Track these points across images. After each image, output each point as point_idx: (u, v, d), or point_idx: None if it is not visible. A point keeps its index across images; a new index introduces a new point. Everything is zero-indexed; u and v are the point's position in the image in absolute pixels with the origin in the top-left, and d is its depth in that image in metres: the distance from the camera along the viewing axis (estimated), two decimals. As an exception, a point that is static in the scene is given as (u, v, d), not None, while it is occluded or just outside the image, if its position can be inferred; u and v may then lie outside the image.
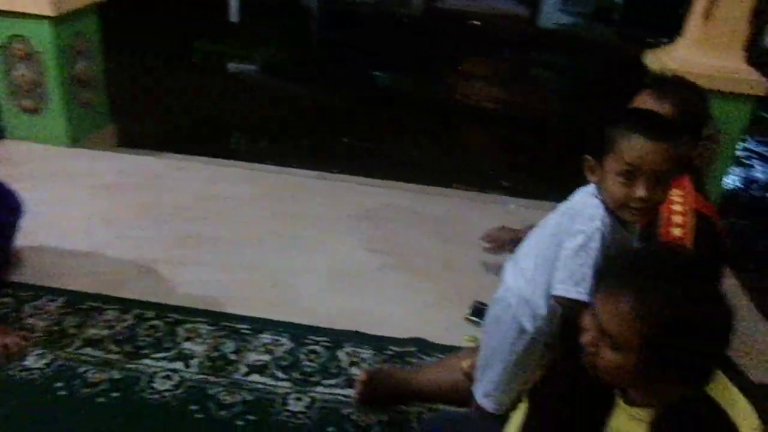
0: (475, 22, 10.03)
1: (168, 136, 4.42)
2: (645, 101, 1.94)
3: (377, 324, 2.37)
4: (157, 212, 2.96)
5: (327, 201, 3.26)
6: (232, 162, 3.71)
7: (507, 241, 2.63)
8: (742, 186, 4.51)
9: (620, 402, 1.31)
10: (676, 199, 1.93)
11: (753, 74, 2.91)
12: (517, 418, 1.56)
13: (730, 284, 2.79)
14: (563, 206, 1.61)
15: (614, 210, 1.48)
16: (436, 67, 7.24)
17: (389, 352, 2.23)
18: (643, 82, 2.06)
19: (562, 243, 1.51)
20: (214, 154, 3.79)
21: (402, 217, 3.19)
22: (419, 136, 4.97)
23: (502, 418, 1.61)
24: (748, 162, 4.94)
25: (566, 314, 1.52)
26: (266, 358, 2.13)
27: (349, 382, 2.06)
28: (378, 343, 2.26)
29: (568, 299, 1.47)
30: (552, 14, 10.30)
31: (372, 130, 4.99)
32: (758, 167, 4.94)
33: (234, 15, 7.27)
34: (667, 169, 1.43)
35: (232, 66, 6.22)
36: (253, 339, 2.21)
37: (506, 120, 5.80)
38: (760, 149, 5.21)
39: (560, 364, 1.49)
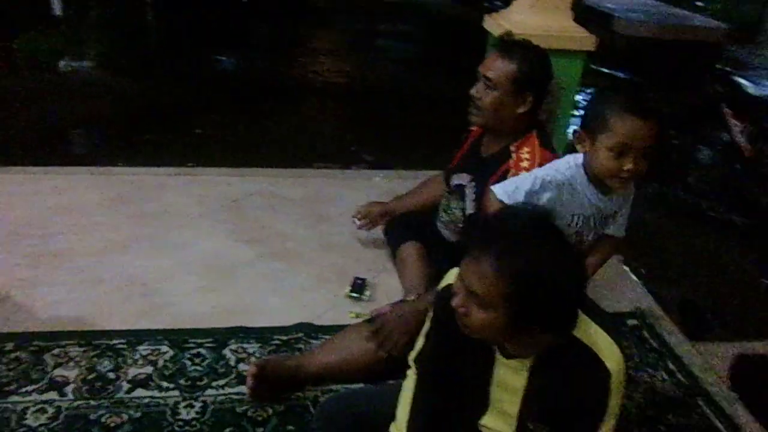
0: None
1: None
2: (494, 61, 2.06)
3: (260, 316, 2.33)
4: (0, 233, 2.70)
5: (188, 196, 3.13)
6: (76, 168, 3.44)
7: (378, 215, 2.67)
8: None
9: (499, 357, 1.40)
10: (524, 156, 2.08)
11: (582, 31, 3.14)
12: (409, 385, 1.61)
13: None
14: None
15: (603, 179, 1.71)
16: (281, 45, 7.12)
17: (276, 342, 2.20)
18: (486, 44, 2.17)
19: None
20: (55, 162, 3.50)
21: (268, 203, 3.14)
22: (273, 118, 4.87)
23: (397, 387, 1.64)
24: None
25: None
26: (148, 370, 2.03)
27: (240, 379, 2.01)
28: (263, 334, 2.22)
29: (492, 198, 1.82)
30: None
31: (224, 118, 4.83)
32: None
33: (57, 7, 6.66)
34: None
35: (63, 64, 5.73)
36: (130, 353, 2.09)
37: (358, 93, 5.84)
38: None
39: (437, 330, 1.55)
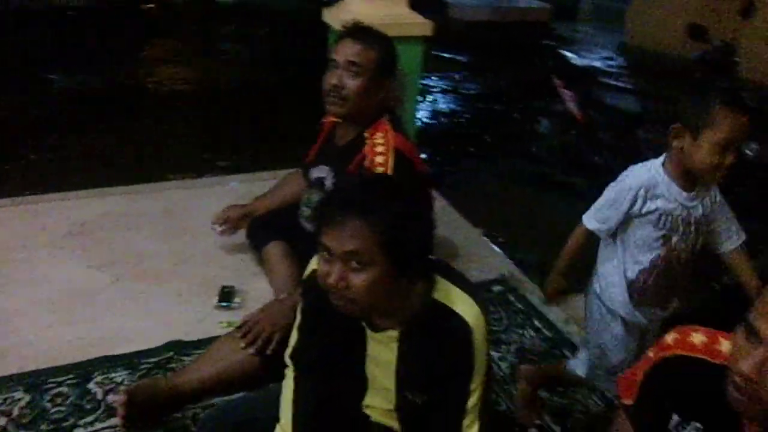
0: (149, 6, 9.50)
1: None
2: (354, 47, 2.07)
3: (125, 342, 2.19)
4: None
5: (31, 227, 2.87)
6: None
7: (238, 218, 2.61)
8: (431, 118, 5.05)
9: (369, 333, 1.42)
10: (378, 141, 2.11)
11: (419, 18, 3.24)
12: (289, 383, 1.59)
13: (443, 205, 3.14)
14: None
15: (702, 174, 1.65)
16: (116, 57, 6.72)
17: (146, 366, 2.09)
18: (328, 37, 2.17)
19: None
20: None
21: (121, 222, 2.96)
22: (117, 134, 4.60)
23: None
24: (432, 97, 5.53)
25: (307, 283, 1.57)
26: (2, 422, 1.84)
27: (111, 412, 1.89)
28: (130, 361, 2.10)
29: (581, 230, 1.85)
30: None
31: (61, 139, 4.48)
32: (440, 100, 5.57)
33: None
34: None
35: None
36: (-22, 406, 1.89)
37: (203, 99, 5.65)
38: (440, 84, 5.88)
39: (308, 319, 1.55)
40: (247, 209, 2.62)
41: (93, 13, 8.63)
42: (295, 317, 1.62)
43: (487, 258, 2.82)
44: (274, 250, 2.42)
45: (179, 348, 2.16)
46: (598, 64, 3.96)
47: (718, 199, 1.80)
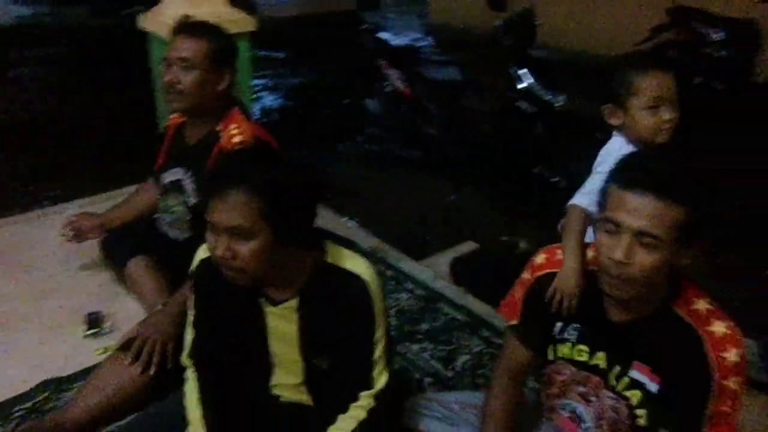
0: None
1: None
2: (184, 42, 2.06)
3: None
4: None
5: None
6: None
7: (91, 228, 2.45)
8: (262, 116, 5.03)
9: (268, 308, 1.46)
10: (233, 132, 2.11)
11: (240, 14, 3.24)
12: (192, 385, 1.57)
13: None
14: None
15: (649, 139, 1.66)
16: None
17: (20, 412, 1.92)
18: (148, 43, 2.12)
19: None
20: None
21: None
22: None
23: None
24: (256, 95, 5.50)
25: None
26: None
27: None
28: (2, 411, 1.92)
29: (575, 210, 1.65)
30: (4, 9, 9.27)
31: None
32: (267, 98, 5.56)
33: None
34: (677, 92, 1.66)
35: None
36: None
37: (8, 132, 5.14)
38: (262, 83, 5.85)
39: (203, 308, 1.55)
40: (102, 220, 2.47)
41: None
42: (179, 324, 1.61)
43: (351, 236, 2.92)
44: (138, 265, 2.32)
45: (55, 386, 2.02)
46: (413, 43, 4.21)
47: None
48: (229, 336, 1.55)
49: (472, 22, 6.07)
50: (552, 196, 3.16)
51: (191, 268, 1.54)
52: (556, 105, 3.34)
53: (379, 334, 1.45)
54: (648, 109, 1.64)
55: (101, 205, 3.05)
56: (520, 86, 3.39)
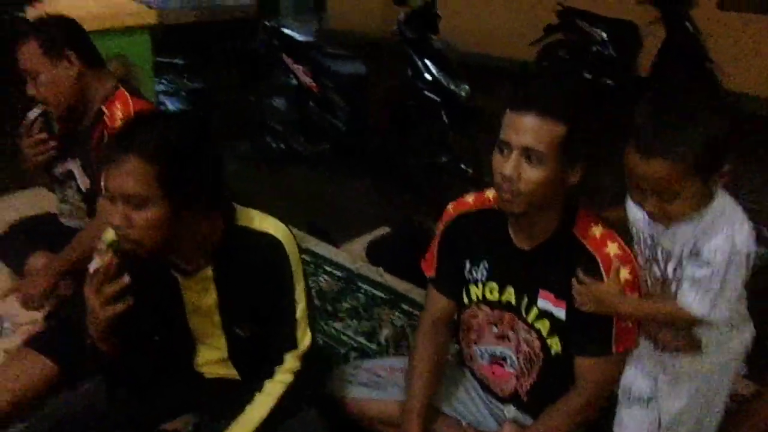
0: None
1: None
2: (33, 58, 1.92)
3: None
4: None
5: None
6: None
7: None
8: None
9: (182, 281, 1.42)
10: (117, 110, 2.01)
11: (140, 7, 3.14)
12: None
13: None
14: None
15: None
16: None
17: None
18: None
19: None
20: None
21: None
22: None
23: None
24: (156, 100, 5.33)
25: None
26: None
27: None
28: None
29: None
30: None
31: None
32: (167, 101, 5.40)
33: None
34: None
35: None
36: None
37: None
38: (163, 88, 5.68)
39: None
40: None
41: None
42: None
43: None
44: (37, 261, 2.17)
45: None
46: (317, 39, 4.25)
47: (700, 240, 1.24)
48: (145, 316, 1.48)
49: (372, 22, 6.19)
50: (459, 184, 3.27)
51: (99, 250, 1.46)
52: (461, 94, 3.44)
53: (299, 292, 1.42)
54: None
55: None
56: (425, 76, 3.47)
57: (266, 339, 1.45)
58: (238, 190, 2.72)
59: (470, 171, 3.40)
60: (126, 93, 2.03)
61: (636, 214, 1.33)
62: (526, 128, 1.24)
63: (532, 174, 1.25)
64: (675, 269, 1.28)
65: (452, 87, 3.44)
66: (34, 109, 2.03)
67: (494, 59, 6.11)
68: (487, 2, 6.48)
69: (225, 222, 1.38)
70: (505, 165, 1.26)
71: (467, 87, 3.45)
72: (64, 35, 1.96)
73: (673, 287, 1.29)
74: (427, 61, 3.50)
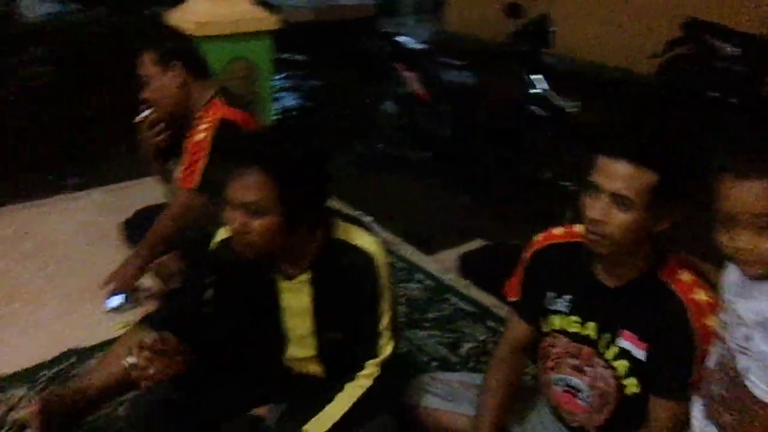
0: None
1: None
2: (149, 67, 2.17)
3: (18, 359, 2.10)
4: None
5: None
6: None
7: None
8: (281, 116, 5.15)
9: (282, 283, 1.55)
10: (204, 119, 2.22)
11: (263, 13, 3.35)
12: None
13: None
14: None
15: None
16: None
17: (46, 378, 2.03)
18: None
19: None
20: None
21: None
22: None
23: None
24: (278, 96, 5.63)
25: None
26: None
27: (19, 427, 1.83)
28: (29, 375, 2.03)
29: None
30: (33, 6, 9.50)
31: None
32: (286, 98, 5.69)
33: None
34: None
35: None
36: None
37: (20, 125, 5.27)
38: (282, 84, 5.98)
39: (220, 284, 1.63)
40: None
41: None
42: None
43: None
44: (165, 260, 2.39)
45: (78, 355, 2.12)
46: (429, 47, 4.32)
47: None
48: (246, 310, 1.64)
49: (487, 30, 6.18)
50: (561, 201, 3.23)
51: (211, 244, 1.63)
52: (569, 110, 3.41)
53: (385, 305, 1.52)
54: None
55: (122, 192, 3.20)
56: (533, 91, 3.47)
57: (352, 345, 1.56)
58: (344, 189, 2.88)
59: (572, 189, 3.37)
60: (220, 102, 2.24)
61: (729, 274, 1.24)
62: (617, 174, 1.24)
63: (620, 219, 1.26)
64: (744, 340, 1.13)
65: (560, 103, 3.41)
66: (146, 111, 2.28)
67: (611, 71, 5.95)
68: (606, 12, 6.30)
69: (325, 234, 1.51)
70: (594, 208, 1.27)
71: (576, 103, 3.40)
72: (174, 48, 2.21)
73: (740, 363, 1.15)
74: (536, 76, 3.49)
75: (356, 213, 3.17)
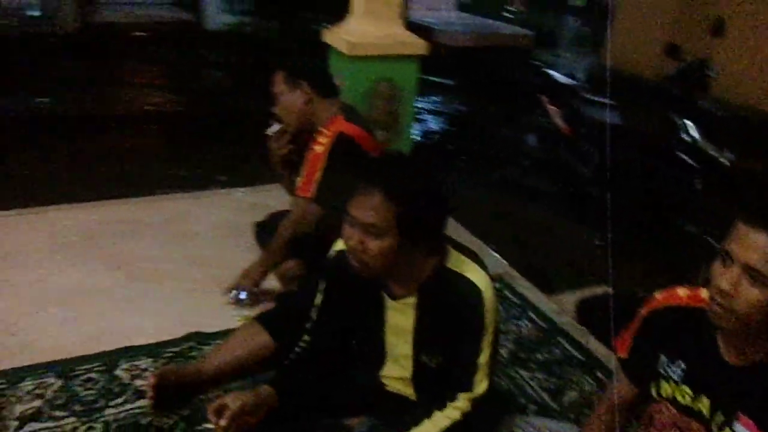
0: (140, 33, 9.69)
1: None
2: (280, 85, 2.35)
3: (145, 335, 2.31)
4: None
5: (36, 234, 3.00)
6: None
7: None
8: (423, 136, 5.25)
9: (388, 302, 1.58)
10: (323, 133, 2.35)
11: (413, 37, 3.45)
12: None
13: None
14: None
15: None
16: (106, 81, 6.87)
17: (168, 354, 2.21)
18: (327, 57, 2.41)
19: None
20: None
21: (126, 230, 3.09)
22: (118, 151, 4.74)
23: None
24: (422, 117, 5.75)
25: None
26: (37, 403, 1.95)
27: (139, 394, 2.01)
28: (154, 349, 2.22)
29: None
30: (217, 16, 10.43)
31: (62, 156, 4.61)
32: (431, 120, 5.79)
33: None
34: None
35: None
36: (12, 391, 1.99)
37: (194, 120, 5.80)
38: (428, 105, 6.10)
39: (331, 293, 1.70)
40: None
41: (82, 39, 8.81)
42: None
43: (483, 259, 2.98)
44: (291, 265, 2.51)
45: (199, 338, 2.29)
46: (578, 82, 4.23)
47: None
48: (350, 322, 1.70)
49: (648, 69, 5.89)
50: (700, 258, 3.01)
51: (330, 251, 1.71)
52: (722, 162, 3.18)
53: (487, 342, 1.52)
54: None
55: (263, 194, 3.41)
56: (683, 137, 3.27)
57: (447, 374, 1.56)
58: (471, 215, 2.87)
59: (717, 247, 3.12)
60: (340, 119, 2.36)
61: None
62: (754, 246, 1.13)
63: (750, 294, 1.14)
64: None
65: (712, 152, 3.18)
66: (274, 125, 2.44)
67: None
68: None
69: (438, 261, 1.53)
70: (724, 278, 1.16)
71: (730, 155, 3.16)
72: (302, 68, 2.39)
73: None
74: (688, 122, 3.29)
75: (479, 241, 3.17)
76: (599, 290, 2.85)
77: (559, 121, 3.88)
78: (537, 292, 2.75)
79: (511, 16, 10.52)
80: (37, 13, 9.33)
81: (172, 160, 4.70)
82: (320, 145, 2.32)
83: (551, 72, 4.20)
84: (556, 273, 3.04)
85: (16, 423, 1.88)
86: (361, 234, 1.43)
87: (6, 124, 5.29)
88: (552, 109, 3.93)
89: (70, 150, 4.73)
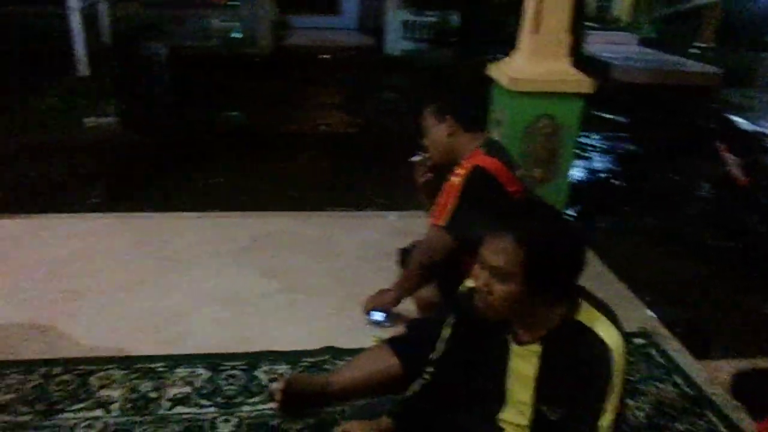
0: (325, 56, 10.41)
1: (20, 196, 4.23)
2: (428, 118, 2.42)
3: (287, 342, 2.48)
4: (36, 272, 2.89)
5: (206, 237, 3.34)
6: (103, 214, 3.71)
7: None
8: (587, 175, 5.07)
9: (513, 346, 1.56)
10: (461, 165, 2.36)
11: (580, 75, 3.37)
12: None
13: (589, 256, 3.17)
14: None
15: None
16: (292, 100, 7.45)
17: (304, 363, 2.35)
18: (492, 91, 2.43)
19: None
20: (83, 209, 3.77)
21: (285, 242, 3.33)
22: (291, 167, 5.12)
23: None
24: (588, 155, 5.56)
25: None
26: (187, 389, 2.18)
27: (273, 397, 2.15)
28: (292, 357, 2.37)
29: None
30: (396, 42, 10.91)
31: (240, 167, 5.09)
32: (597, 159, 5.58)
33: (82, 68, 7.07)
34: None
35: (87, 120, 6.01)
36: (169, 375, 2.24)
37: (367, 142, 6.10)
38: (597, 143, 5.89)
39: (458, 331, 1.71)
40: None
41: (275, 60, 9.63)
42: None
43: (630, 311, 2.82)
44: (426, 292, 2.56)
45: (334, 353, 2.41)
46: (763, 130, 3.86)
47: None
48: (473, 360, 1.70)
49: None
50: None
51: (460, 287, 1.72)
52: None
53: (611, 404, 1.44)
54: None
55: (416, 221, 3.49)
56: None
57: (567, 429, 1.51)
58: (622, 262, 2.74)
59: None
60: (480, 152, 2.35)
61: None
62: None
63: None
64: None
65: None
66: (419, 154, 2.54)
67: None
68: None
69: (567, 312, 1.49)
70: None
71: None
72: (449, 104, 2.43)
73: None
74: None
75: (628, 291, 3.01)
76: (763, 363, 2.57)
77: (736, 171, 3.57)
78: (687, 355, 2.54)
79: (698, 52, 9.84)
80: (238, 35, 10.40)
81: (337, 178, 4.99)
82: (457, 176, 2.36)
83: (735, 118, 3.87)
84: (712, 337, 2.78)
85: (169, 404, 2.11)
86: (489, 276, 1.43)
87: (196, 134, 5.96)
88: (729, 157, 3.62)
89: (247, 162, 5.20)
